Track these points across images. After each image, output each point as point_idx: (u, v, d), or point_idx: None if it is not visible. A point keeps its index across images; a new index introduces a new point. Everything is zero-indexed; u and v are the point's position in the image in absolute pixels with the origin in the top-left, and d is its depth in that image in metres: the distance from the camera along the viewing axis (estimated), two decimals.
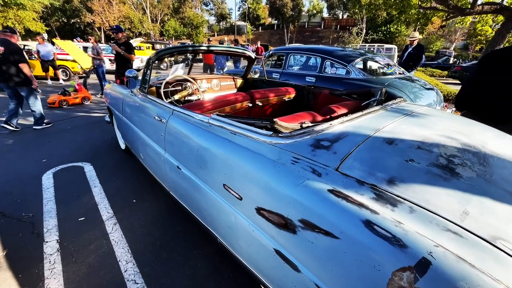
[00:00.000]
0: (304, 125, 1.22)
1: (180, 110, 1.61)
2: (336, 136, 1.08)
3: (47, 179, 2.62)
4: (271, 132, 1.11)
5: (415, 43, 5.03)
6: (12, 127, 4.05)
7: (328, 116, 1.64)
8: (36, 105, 4.09)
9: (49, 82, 8.55)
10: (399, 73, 3.88)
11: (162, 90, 2.41)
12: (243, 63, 11.05)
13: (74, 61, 8.59)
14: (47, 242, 1.78)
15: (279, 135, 1.10)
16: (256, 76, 3.29)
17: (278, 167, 1.00)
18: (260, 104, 2.31)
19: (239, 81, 3.32)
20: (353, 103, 1.87)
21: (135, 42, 13.33)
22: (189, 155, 1.46)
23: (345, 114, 1.74)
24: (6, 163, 2.97)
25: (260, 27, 45.84)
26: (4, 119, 4.05)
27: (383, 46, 15.92)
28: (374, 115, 1.37)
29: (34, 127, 4.23)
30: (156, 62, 2.26)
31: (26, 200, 2.27)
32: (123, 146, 3.26)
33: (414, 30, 12.14)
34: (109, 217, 2.06)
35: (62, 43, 8.44)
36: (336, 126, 1.17)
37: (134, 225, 1.98)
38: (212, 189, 1.30)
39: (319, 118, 1.59)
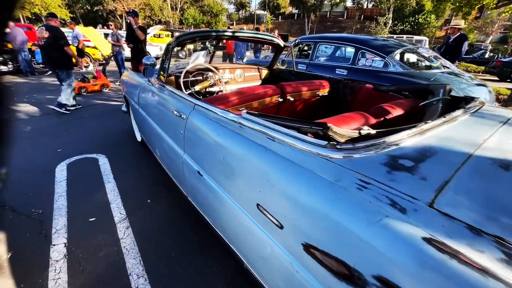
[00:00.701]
0: (362, 132, 0.93)
1: (203, 105, 1.36)
2: (419, 152, 0.79)
3: (61, 171, 2.50)
4: (325, 142, 0.84)
5: (457, 32, 4.43)
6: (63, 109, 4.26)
7: (382, 118, 1.33)
8: (68, 90, 4.22)
9: (82, 69, 8.47)
10: (445, 67, 3.42)
11: (181, 80, 2.17)
12: (264, 53, 10.66)
13: (94, 47, 8.57)
14: (54, 245, 1.63)
15: (337, 146, 0.82)
16: (283, 67, 2.98)
17: (337, 192, 0.73)
18: (291, 99, 2.02)
19: (264, 72, 3.02)
20: (408, 103, 1.54)
21: (154, 29, 13.22)
22: (213, 161, 1.22)
23: (403, 117, 1.42)
24: (22, 151, 2.88)
25: (280, 17, 44.56)
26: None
27: (413, 38, 14.87)
28: (458, 122, 1.05)
29: (53, 107, 4.30)
30: (176, 49, 2.01)
31: (38, 193, 2.14)
32: (139, 138, 3.09)
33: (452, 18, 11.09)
34: (121, 219, 1.88)
35: (84, 30, 8.42)
36: (414, 137, 0.87)
37: (147, 231, 1.78)
38: (241, 208, 1.05)
39: (372, 120, 1.29)
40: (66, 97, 4.24)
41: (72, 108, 4.43)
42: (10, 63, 7.44)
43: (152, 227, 1.82)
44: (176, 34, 16.12)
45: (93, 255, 1.57)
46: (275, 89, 1.93)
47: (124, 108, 3.40)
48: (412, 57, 3.62)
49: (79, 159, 2.74)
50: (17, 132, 3.42)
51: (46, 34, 3.85)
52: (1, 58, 7.25)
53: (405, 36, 15.59)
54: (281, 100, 1.96)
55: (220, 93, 2.44)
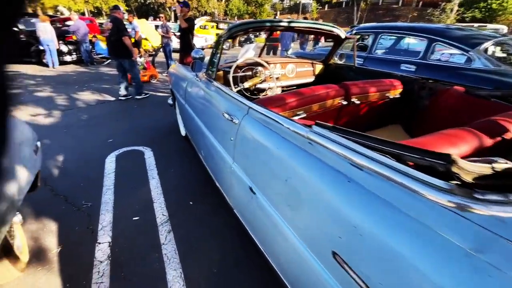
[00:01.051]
0: (497, 166, 0.63)
1: (260, 110, 1.15)
2: None
3: (110, 162, 2.55)
4: (451, 185, 0.56)
5: None
6: (120, 96, 4.63)
7: (500, 139, 0.98)
8: (136, 76, 4.59)
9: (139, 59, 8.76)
10: None
11: (231, 76, 1.99)
12: (310, 45, 10.11)
13: (145, 39, 8.95)
14: (99, 243, 1.61)
15: (476, 195, 0.54)
16: (341, 61, 2.63)
17: (482, 274, 0.46)
18: (357, 101, 1.71)
19: (318, 67, 2.71)
20: None
21: (201, 21, 13.41)
22: (271, 180, 1.01)
23: None
24: (78, 139, 3.04)
25: (326, 5, 42.23)
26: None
27: (486, 26, 12.77)
28: None
29: (136, 97, 4.69)
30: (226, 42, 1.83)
31: (88, 185, 2.19)
32: (183, 133, 3.05)
33: None
34: (163, 221, 1.81)
35: (137, 22, 8.83)
36: None
37: (189, 238, 1.68)
38: (308, 250, 0.83)
39: (487, 140, 0.95)
40: (139, 81, 4.63)
41: (123, 98, 4.65)
42: (73, 53, 8.15)
43: (194, 234, 1.71)
44: (221, 25, 16.22)
45: (135, 260, 1.50)
46: (338, 89, 1.64)
47: (170, 101, 3.39)
48: (502, 51, 2.96)
49: (127, 151, 2.79)
50: (76, 120, 3.65)
51: (109, 26, 4.16)
52: (67, 49, 7.96)
53: (476, 24, 13.48)
54: (345, 103, 1.67)
55: (275, 94, 2.22)
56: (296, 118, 1.38)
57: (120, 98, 4.61)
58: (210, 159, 1.78)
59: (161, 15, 7.21)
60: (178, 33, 5.21)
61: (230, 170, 1.34)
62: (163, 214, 1.87)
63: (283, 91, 2.45)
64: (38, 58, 7.58)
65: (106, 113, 4.01)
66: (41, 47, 7.24)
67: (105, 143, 2.96)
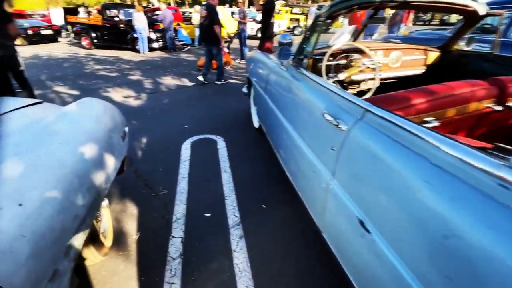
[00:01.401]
0: None
1: (387, 117, 0.81)
2: None
3: (186, 149, 2.57)
4: None
5: None
6: (203, 80, 4.81)
7: None
8: (220, 63, 4.73)
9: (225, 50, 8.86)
10: None
11: (324, 65, 1.67)
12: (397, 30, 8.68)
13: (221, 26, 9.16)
14: (173, 237, 1.56)
15: None
16: (469, 47, 1.98)
17: None
18: None
19: (432, 56, 2.12)
20: None
21: (276, 5, 13.04)
22: (405, 223, 0.69)
23: None
24: (160, 123, 3.21)
25: None
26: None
27: None
28: None
29: (216, 82, 4.85)
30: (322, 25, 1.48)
31: (166, 170, 2.23)
32: (256, 125, 2.89)
33: None
34: (235, 223, 1.67)
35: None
36: None
37: (262, 247, 1.50)
38: None
39: None
40: (222, 67, 4.75)
41: (205, 82, 4.84)
42: (160, 40, 8.93)
43: (268, 244, 1.52)
44: (295, 10, 15.46)
45: (205, 264, 1.40)
46: (488, 87, 1.15)
47: (245, 90, 3.25)
48: None
49: (201, 139, 2.78)
50: (158, 104, 3.90)
51: (204, 14, 4.33)
52: (155, 36, 8.75)
53: None
54: (497, 108, 1.16)
55: (373, 88, 1.80)
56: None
57: (203, 82, 4.79)
58: (293, 164, 1.53)
59: (240, 0, 7.13)
60: (257, 19, 5.06)
61: (326, 187, 1.05)
62: (234, 215, 1.74)
63: (382, 85, 1.99)
64: (132, 44, 8.58)
65: (184, 98, 4.18)
66: (135, 35, 8.14)
67: (182, 129, 3.04)
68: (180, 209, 1.79)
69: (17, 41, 7.65)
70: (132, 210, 1.78)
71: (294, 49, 1.74)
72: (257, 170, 2.23)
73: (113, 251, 1.47)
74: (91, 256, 1.24)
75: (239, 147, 2.60)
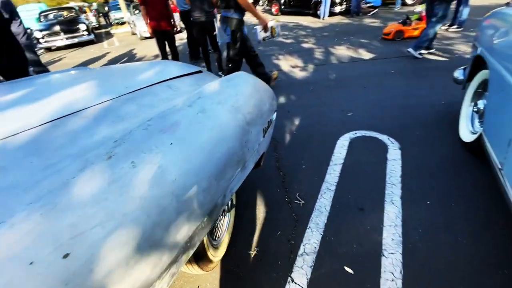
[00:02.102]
0: None
1: None
2: None
3: (341, 147, 1.96)
4: None
5: None
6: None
7: None
8: (435, 30, 3.44)
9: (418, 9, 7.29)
10: None
11: None
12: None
13: None
14: (292, 281, 1.11)
15: None
16: None
17: None
18: None
19: None
20: None
21: None
22: None
23: None
24: (319, 103, 2.72)
25: None
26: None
27: None
28: None
29: (408, 50, 3.68)
30: None
31: (310, 170, 1.76)
32: (467, 138, 1.75)
33: None
34: None
35: None
36: None
37: None
38: None
39: None
40: (427, 36, 3.48)
41: (419, 56, 3.61)
42: (344, 3, 8.00)
43: None
44: None
45: None
46: None
47: (459, 75, 2.04)
48: None
49: (365, 137, 2.04)
50: (324, 78, 3.38)
51: None
52: None
53: None
54: None
55: None
56: None
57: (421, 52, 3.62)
58: None
59: None
60: None
61: None
62: (393, 278, 1.03)
63: None
64: (315, 9, 8.24)
65: (356, 75, 3.39)
66: None
67: (343, 115, 2.40)
68: (312, 239, 1.29)
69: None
70: (258, 212, 1.48)
71: None
72: (455, 221, 1.29)
73: (225, 261, 1.22)
74: (191, 269, 1.01)
75: (424, 167, 1.66)
